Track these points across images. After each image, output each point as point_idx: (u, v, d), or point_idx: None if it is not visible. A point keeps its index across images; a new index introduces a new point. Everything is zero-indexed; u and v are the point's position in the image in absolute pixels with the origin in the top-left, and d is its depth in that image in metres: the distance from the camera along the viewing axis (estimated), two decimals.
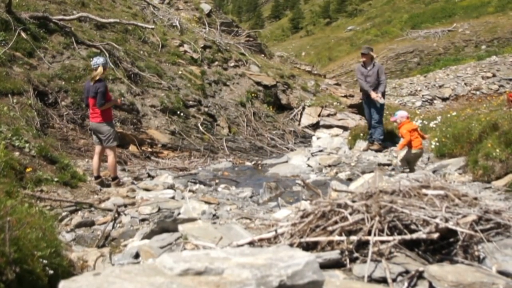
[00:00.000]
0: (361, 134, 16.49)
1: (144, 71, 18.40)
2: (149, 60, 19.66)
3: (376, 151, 15.10)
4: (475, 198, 5.37)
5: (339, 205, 5.08)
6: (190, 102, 18.94)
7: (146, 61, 19.33)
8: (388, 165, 13.32)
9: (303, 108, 22.53)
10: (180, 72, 20.21)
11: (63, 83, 15.01)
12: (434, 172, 11.44)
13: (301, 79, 26.10)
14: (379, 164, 13.38)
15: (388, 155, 14.36)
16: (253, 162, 15.54)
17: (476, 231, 4.70)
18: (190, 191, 10.34)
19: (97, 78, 10.34)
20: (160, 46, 21.41)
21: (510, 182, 9.17)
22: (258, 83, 22.94)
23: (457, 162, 11.85)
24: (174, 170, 13.50)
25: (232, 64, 23.76)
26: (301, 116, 22.33)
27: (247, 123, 20.09)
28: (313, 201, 5.73)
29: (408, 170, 12.23)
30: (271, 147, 18.81)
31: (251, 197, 10.43)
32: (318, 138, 19.29)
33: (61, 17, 17.68)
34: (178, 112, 17.77)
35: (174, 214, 8.10)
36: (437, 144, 13.37)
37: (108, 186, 10.53)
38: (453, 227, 4.58)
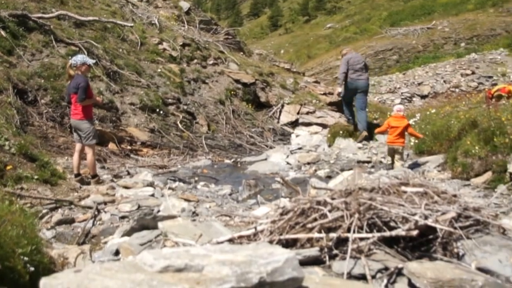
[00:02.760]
0: (341, 132, 16.61)
1: (123, 69, 18.36)
2: (128, 58, 19.61)
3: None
4: (454, 195, 5.39)
5: (318, 203, 5.08)
6: (169, 100, 18.92)
7: (125, 59, 19.27)
8: (368, 162, 13.38)
9: (282, 106, 22.56)
10: (159, 70, 20.18)
11: (43, 81, 14.94)
12: (413, 169, 11.51)
13: (280, 77, 26.12)
14: (359, 162, 13.44)
15: (367, 152, 14.42)
16: (232, 160, 15.58)
17: (455, 228, 4.71)
18: (169, 188, 10.31)
19: (72, 74, 10.39)
20: (139, 44, 21.37)
21: (489, 179, 9.23)
22: (237, 81, 22.95)
23: (436, 159, 11.91)
24: (154, 168, 13.47)
25: (211, 62, 23.75)
26: (280, 114, 22.35)
27: (226, 120, 20.10)
28: (293, 199, 5.75)
29: (390, 164, 12.39)
30: (250, 145, 18.85)
31: (230, 194, 10.42)
32: (297, 136, 19.35)
33: (40, 15, 17.59)
34: (157, 110, 17.75)
35: (154, 211, 8.09)
36: (416, 141, 13.45)
37: (88, 183, 10.49)
38: (432, 224, 4.60)
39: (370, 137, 16.21)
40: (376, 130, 13.90)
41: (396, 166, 12.08)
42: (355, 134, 16.59)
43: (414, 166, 12.03)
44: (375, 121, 18.80)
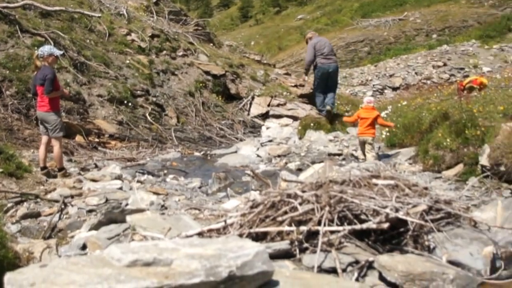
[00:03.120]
0: (312, 124, 16.63)
1: (90, 60, 18.20)
2: (96, 49, 19.45)
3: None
4: (426, 188, 5.45)
5: (288, 195, 5.11)
6: (138, 91, 18.81)
7: (93, 50, 19.12)
8: (339, 155, 13.43)
9: (252, 98, 22.49)
10: (127, 61, 20.05)
11: (8, 72, 14.78)
12: (384, 162, 11.57)
13: (250, 69, 26.07)
14: (329, 154, 13.48)
15: (338, 145, 14.46)
16: (202, 153, 15.56)
17: (426, 221, 4.77)
18: (138, 181, 10.28)
19: (39, 65, 10.34)
20: (107, 34, 21.19)
21: (460, 171, 9.30)
22: (207, 73, 22.86)
23: (407, 152, 12.00)
24: (122, 161, 13.40)
25: (180, 54, 23.63)
26: (250, 106, 22.28)
27: (195, 113, 20.03)
28: (263, 192, 5.77)
29: (362, 157, 12.50)
30: (220, 137, 18.81)
31: (200, 187, 10.42)
32: (267, 128, 19.30)
33: (5, 4, 17.37)
34: (126, 102, 17.64)
35: (122, 205, 8.06)
36: (388, 134, 13.52)
37: (55, 177, 10.41)
38: (403, 217, 4.64)
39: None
40: (345, 119, 14.11)
41: (368, 158, 12.16)
42: (325, 126, 16.67)
43: (385, 158, 12.11)
44: (346, 114, 18.86)
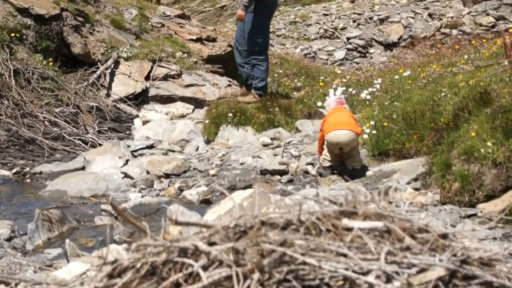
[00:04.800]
0: (230, 115, 16.61)
1: None
2: None
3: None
4: (444, 236, 5.49)
5: (183, 252, 5.11)
6: None
7: None
8: (281, 173, 13.45)
9: (116, 64, 22.39)
10: None
11: None
12: (367, 185, 11.62)
13: (111, 6, 26.03)
14: (264, 172, 13.50)
15: (281, 153, 14.50)
16: (14, 170, 15.39)
17: None
18: None
19: None
20: None
21: (511, 205, 9.31)
22: (23, 11, 22.52)
23: (411, 166, 12.05)
24: None
25: None
26: (112, 79, 22.15)
27: (2, 91, 19.83)
28: (133, 245, 5.78)
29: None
30: (52, 141, 18.62)
31: (9, 239, 10.35)
32: (145, 123, 19.30)
33: None
34: None
35: None
36: (374, 132, 13.49)
37: None
38: None
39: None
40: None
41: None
42: (256, 118, 16.67)
43: (369, 179, 12.19)
44: (295, 93, 19.00)
